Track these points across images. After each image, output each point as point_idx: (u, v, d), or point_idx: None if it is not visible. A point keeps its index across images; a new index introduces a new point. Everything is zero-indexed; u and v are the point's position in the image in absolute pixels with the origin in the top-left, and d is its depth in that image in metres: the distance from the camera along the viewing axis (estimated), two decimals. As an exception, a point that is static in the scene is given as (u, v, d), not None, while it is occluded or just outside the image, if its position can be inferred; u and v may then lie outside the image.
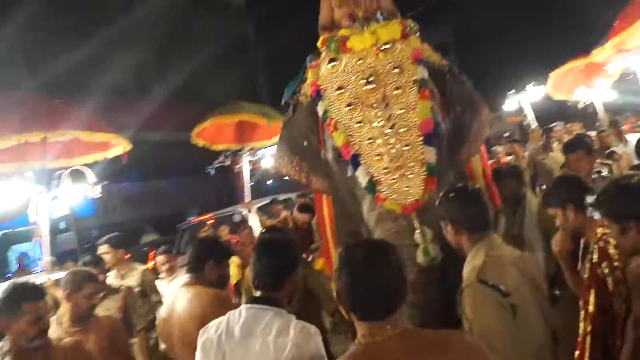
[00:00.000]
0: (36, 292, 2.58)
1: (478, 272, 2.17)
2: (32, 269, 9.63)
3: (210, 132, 7.58)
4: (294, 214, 5.53)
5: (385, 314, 1.66)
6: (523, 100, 9.32)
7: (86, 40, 14.99)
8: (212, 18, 23.29)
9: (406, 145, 2.95)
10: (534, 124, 8.83)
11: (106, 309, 4.26)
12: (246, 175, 8.09)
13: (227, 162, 7.83)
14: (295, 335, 2.12)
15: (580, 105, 8.26)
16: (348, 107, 3.08)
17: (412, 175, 2.92)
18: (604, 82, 7.76)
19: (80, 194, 5.90)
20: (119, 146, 6.09)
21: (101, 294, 3.78)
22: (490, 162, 7.72)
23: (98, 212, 14.98)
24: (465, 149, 3.37)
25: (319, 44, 3.44)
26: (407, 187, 2.91)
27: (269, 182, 14.75)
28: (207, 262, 2.90)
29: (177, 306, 2.85)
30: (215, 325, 2.29)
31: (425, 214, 2.85)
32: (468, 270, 2.26)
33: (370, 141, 3.01)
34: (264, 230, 4.33)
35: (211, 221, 9.44)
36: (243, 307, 2.27)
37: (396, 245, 2.68)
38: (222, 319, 2.30)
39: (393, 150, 2.95)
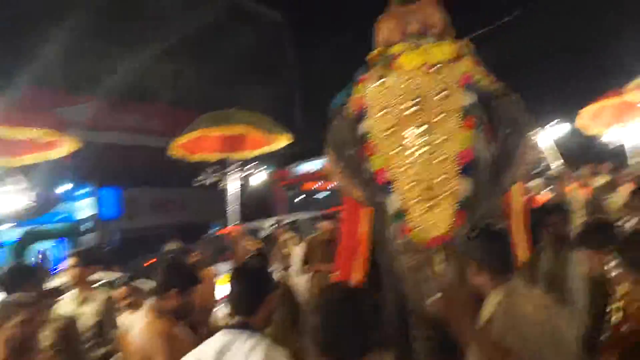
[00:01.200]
0: None
1: (486, 322, 2.13)
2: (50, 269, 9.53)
3: (190, 142, 6.64)
4: None
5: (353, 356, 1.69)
6: (544, 138, 8.75)
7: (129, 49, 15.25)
8: (250, 32, 23.49)
9: (442, 175, 2.90)
10: (556, 162, 8.51)
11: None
12: (233, 192, 7.08)
13: (209, 180, 7.00)
14: (264, 358, 2.16)
15: (612, 146, 8.00)
16: (389, 130, 3.03)
17: (443, 208, 2.87)
18: (638, 122, 7.53)
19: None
20: (64, 147, 5.69)
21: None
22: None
23: (123, 216, 14.99)
24: (509, 174, 3.23)
25: (370, 57, 3.39)
26: (436, 219, 2.87)
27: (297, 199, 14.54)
28: (171, 289, 2.81)
29: (133, 331, 2.81)
30: (194, 355, 2.32)
31: (451, 246, 2.80)
32: (483, 314, 2.23)
33: (405, 168, 2.96)
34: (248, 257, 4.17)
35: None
36: (219, 332, 2.31)
37: (415, 278, 2.72)
38: (200, 347, 2.33)
39: (428, 179, 2.90)
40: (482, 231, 2.36)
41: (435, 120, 2.97)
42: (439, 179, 2.89)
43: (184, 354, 2.42)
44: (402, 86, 3.07)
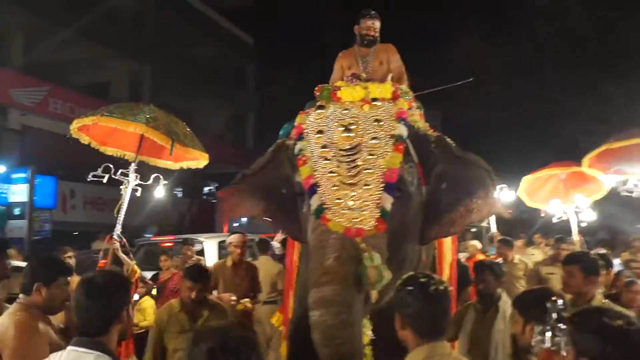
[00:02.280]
0: None
1: None
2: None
3: (102, 130, 5.75)
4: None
5: None
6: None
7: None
8: (217, 47, 23.58)
9: (366, 185, 2.96)
10: (493, 228, 8.23)
11: None
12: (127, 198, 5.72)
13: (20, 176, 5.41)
14: None
15: (555, 220, 7.27)
16: (322, 149, 3.12)
17: (363, 212, 2.90)
18: (584, 199, 6.92)
19: None
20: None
21: None
22: (463, 255, 7.59)
23: (57, 208, 14.67)
24: (436, 228, 3.29)
25: (315, 91, 3.51)
26: (356, 216, 2.89)
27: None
28: (35, 282, 2.67)
29: None
30: None
31: (370, 242, 2.81)
32: None
33: (331, 174, 3.02)
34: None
35: (169, 244, 9.02)
36: (67, 349, 2.13)
37: (338, 271, 2.66)
38: None
39: (351, 187, 2.96)
40: (418, 285, 2.16)
41: (369, 142, 3.08)
42: (362, 189, 2.95)
43: (41, 349, 2.39)
44: (339, 115, 3.21)
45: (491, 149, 17.39)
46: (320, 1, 26.80)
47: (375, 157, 3.02)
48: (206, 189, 24.10)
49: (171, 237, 9.68)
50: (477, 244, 8.30)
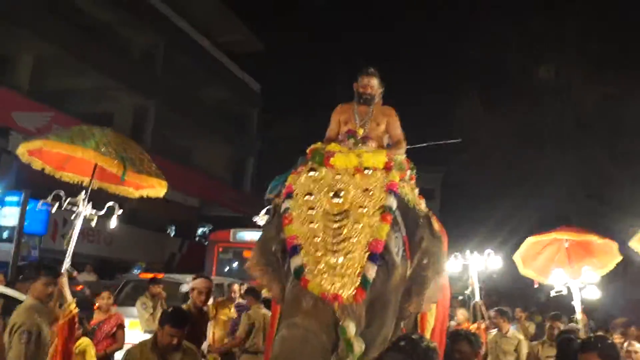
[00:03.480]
0: None
1: None
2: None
3: (58, 155, 5.49)
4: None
5: None
6: (472, 267, 7.63)
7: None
8: (224, 90, 23.84)
9: (349, 253, 2.90)
10: (476, 297, 7.52)
11: None
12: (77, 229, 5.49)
13: (54, 207, 5.34)
14: None
15: (553, 293, 6.52)
16: (309, 210, 3.10)
17: (344, 279, 2.83)
18: (592, 273, 6.21)
19: None
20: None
21: None
22: (454, 323, 7.46)
23: (47, 235, 14.47)
24: (415, 302, 3.30)
25: (308, 150, 3.51)
26: (335, 283, 2.81)
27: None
28: None
29: None
30: None
31: (347, 310, 2.74)
32: None
33: (315, 238, 2.97)
34: None
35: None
36: None
37: (311, 317, 2.61)
38: None
39: (335, 252, 2.90)
40: (409, 344, 2.25)
41: (354, 211, 3.06)
42: (346, 256, 2.90)
43: None
44: (330, 180, 3.21)
45: (489, 213, 17.44)
46: (327, 53, 27.32)
47: (362, 225, 3.00)
48: (200, 230, 23.89)
49: (160, 275, 9.45)
50: (465, 312, 8.07)
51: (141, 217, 17.84)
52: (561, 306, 6.72)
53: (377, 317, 3.03)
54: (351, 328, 2.67)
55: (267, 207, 4.17)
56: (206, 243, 21.31)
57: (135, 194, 5.77)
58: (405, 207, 3.26)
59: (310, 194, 3.17)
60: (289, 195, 3.24)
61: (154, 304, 7.62)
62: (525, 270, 6.94)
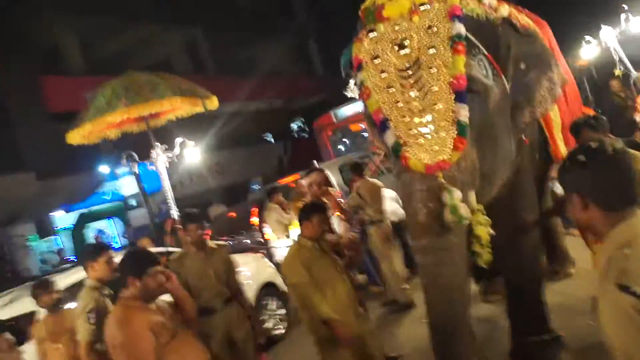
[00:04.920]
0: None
1: (618, 273, 1.55)
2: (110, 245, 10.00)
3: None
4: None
5: None
6: (609, 39, 7.37)
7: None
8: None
9: (436, 104, 2.82)
10: (632, 71, 6.95)
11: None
12: (164, 173, 7.34)
13: (124, 170, 6.68)
14: None
15: None
16: (381, 74, 2.98)
17: (439, 136, 2.79)
18: None
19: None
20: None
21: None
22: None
23: (163, 188, 15.35)
24: (528, 112, 3.24)
25: (360, 12, 3.30)
26: (434, 146, 2.79)
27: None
28: (128, 277, 2.91)
29: None
30: None
31: (453, 174, 2.77)
32: (603, 263, 1.66)
33: (398, 102, 2.90)
34: None
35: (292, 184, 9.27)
36: None
37: (430, 225, 2.72)
38: None
39: (421, 111, 2.83)
40: (589, 153, 1.71)
41: (424, 55, 2.90)
42: (433, 109, 2.82)
43: (139, 337, 2.68)
44: (390, 34, 3.02)
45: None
46: None
47: (439, 69, 2.86)
48: (294, 126, 24.18)
49: (295, 176, 9.45)
50: (617, 82, 7.71)
51: (238, 138, 18.50)
52: None
53: (490, 146, 3.00)
54: (455, 194, 2.68)
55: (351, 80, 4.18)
56: (306, 136, 21.67)
57: (194, 109, 6.68)
58: (477, 25, 3.05)
59: (376, 56, 3.03)
60: (360, 67, 3.13)
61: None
62: None
